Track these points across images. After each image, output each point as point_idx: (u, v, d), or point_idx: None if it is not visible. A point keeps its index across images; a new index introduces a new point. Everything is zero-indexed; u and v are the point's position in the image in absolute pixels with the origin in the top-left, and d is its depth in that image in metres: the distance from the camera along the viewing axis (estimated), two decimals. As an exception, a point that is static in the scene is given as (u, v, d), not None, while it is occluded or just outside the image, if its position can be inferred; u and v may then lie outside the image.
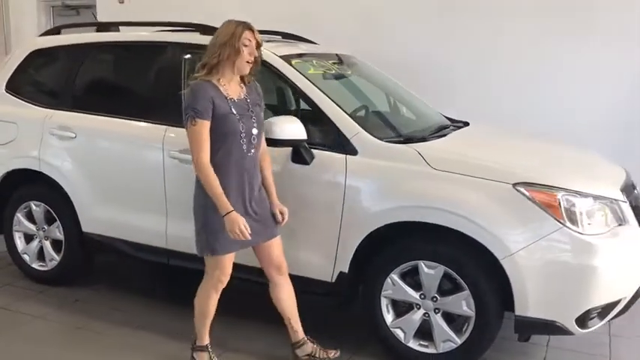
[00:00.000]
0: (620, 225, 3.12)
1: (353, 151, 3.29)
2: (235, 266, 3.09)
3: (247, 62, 2.92)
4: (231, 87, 2.96)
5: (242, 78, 3.02)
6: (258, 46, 2.95)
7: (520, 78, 5.84)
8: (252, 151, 2.97)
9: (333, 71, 4.00)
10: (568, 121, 5.63)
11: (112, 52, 4.24)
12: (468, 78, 6.02)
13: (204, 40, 3.78)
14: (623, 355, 3.51)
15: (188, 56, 3.84)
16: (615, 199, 3.14)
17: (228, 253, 2.99)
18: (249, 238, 2.88)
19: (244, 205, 2.96)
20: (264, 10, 6.47)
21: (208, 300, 3.10)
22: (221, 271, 3.02)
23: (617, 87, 5.56)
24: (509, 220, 2.98)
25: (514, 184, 2.99)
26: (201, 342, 3.19)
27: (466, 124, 4.26)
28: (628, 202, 3.21)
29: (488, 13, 5.90)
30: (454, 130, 3.98)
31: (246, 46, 2.90)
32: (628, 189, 3.40)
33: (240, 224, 2.84)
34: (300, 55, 3.80)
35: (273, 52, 3.59)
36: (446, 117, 4.38)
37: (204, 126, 2.86)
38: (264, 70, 3.53)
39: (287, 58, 3.61)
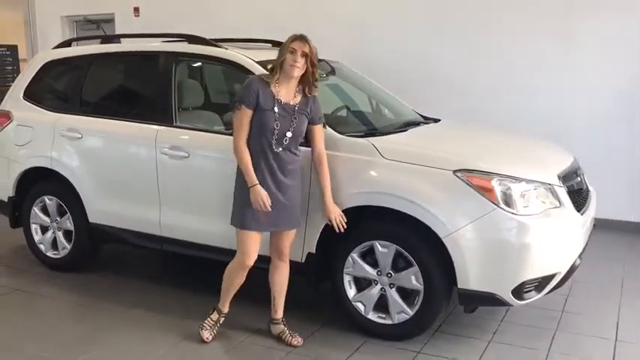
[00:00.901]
0: (555, 207, 3.45)
1: (318, 144, 3.68)
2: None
3: (291, 66, 3.28)
4: (283, 90, 3.35)
5: (303, 88, 3.39)
6: (305, 55, 3.28)
7: (513, 79, 6.16)
8: (280, 149, 3.33)
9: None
10: (562, 120, 5.94)
11: (112, 62, 4.72)
12: (460, 80, 6.36)
13: (192, 48, 4.30)
14: (569, 329, 3.81)
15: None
16: (550, 184, 3.47)
17: (250, 230, 3.37)
18: (269, 209, 3.31)
19: (270, 193, 3.33)
20: (265, 23, 6.93)
21: (233, 276, 3.51)
22: (244, 252, 3.41)
23: (615, 87, 5.83)
24: (450, 202, 3.34)
25: (454, 171, 3.36)
26: (221, 306, 3.63)
27: (436, 120, 4.62)
28: (564, 187, 3.54)
29: (480, 15, 6.24)
30: (421, 125, 4.36)
31: (291, 52, 3.29)
32: (569, 175, 3.73)
33: (262, 197, 3.29)
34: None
35: (250, 58, 4.02)
36: (420, 115, 4.75)
37: (246, 113, 3.32)
38: (245, 73, 3.98)
39: (263, 63, 4.01)
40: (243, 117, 3.33)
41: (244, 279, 3.53)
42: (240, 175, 3.39)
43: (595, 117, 5.89)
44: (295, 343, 3.57)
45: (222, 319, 3.65)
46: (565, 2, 5.92)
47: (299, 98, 3.40)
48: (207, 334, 3.59)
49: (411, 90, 6.29)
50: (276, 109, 3.31)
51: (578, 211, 3.60)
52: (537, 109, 6.09)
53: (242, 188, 3.38)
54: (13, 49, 8.33)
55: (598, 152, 5.76)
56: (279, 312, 3.65)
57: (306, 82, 3.39)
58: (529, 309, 4.02)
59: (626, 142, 5.83)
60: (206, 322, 3.63)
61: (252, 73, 3.89)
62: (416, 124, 4.41)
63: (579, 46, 5.89)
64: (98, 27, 8.56)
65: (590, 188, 4.16)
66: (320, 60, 4.79)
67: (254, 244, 3.41)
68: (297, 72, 3.31)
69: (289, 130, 3.34)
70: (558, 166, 3.72)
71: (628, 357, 3.45)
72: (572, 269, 3.51)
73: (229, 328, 3.72)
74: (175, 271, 4.95)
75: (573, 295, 4.31)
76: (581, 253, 3.62)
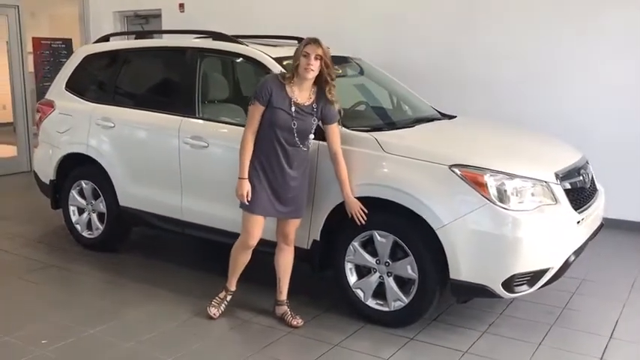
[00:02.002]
0: (551, 204, 3.53)
1: (324, 138, 3.85)
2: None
3: (305, 69, 3.48)
4: (297, 91, 3.56)
5: (320, 90, 3.58)
6: (319, 57, 3.48)
7: (535, 75, 6.14)
8: (289, 146, 3.54)
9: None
10: (585, 117, 5.92)
11: (144, 56, 5.05)
12: (486, 78, 6.39)
13: (215, 44, 4.56)
14: (566, 324, 3.87)
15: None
16: (546, 181, 3.55)
17: (255, 214, 3.63)
18: (246, 203, 3.58)
19: (269, 182, 3.59)
20: (303, 21, 7.14)
21: (237, 255, 3.80)
22: (248, 232, 3.68)
23: (630, 85, 5.77)
24: (444, 196, 3.48)
25: (450, 166, 3.49)
26: (228, 285, 3.91)
27: (451, 117, 4.74)
28: (561, 185, 3.61)
29: (508, 16, 6.26)
30: (434, 121, 4.48)
31: (304, 56, 3.51)
32: (571, 173, 3.80)
33: (244, 190, 3.56)
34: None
35: (267, 54, 4.23)
36: (438, 111, 4.87)
37: (258, 108, 3.56)
38: (262, 68, 4.20)
39: (279, 60, 4.23)
40: (255, 112, 3.56)
41: (249, 258, 3.79)
42: (253, 163, 3.60)
43: (619, 116, 5.82)
44: (295, 324, 3.78)
45: (230, 296, 3.90)
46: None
47: (313, 99, 3.60)
48: (214, 311, 3.85)
49: (438, 86, 6.40)
50: (288, 109, 3.52)
51: (577, 209, 3.66)
52: (558, 105, 6.04)
53: (250, 175, 3.59)
54: (67, 42, 8.83)
55: (618, 151, 5.73)
56: (284, 294, 3.87)
57: (323, 82, 3.57)
58: (530, 304, 4.11)
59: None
60: (214, 299, 3.90)
61: (268, 69, 4.13)
62: (429, 120, 4.54)
63: (600, 43, 5.80)
64: (147, 22, 8.97)
65: (598, 187, 4.20)
66: (348, 60, 5.05)
67: (257, 227, 3.66)
68: (312, 74, 3.51)
69: (298, 129, 3.55)
70: (558, 163, 3.78)
71: (618, 354, 3.49)
72: (565, 265, 3.57)
73: (236, 307, 3.96)
74: (204, 257, 5.22)
75: (579, 292, 4.35)
76: (577, 250, 3.67)
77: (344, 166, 3.65)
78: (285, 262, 3.84)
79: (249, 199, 3.58)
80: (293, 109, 3.53)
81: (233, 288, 3.91)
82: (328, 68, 3.55)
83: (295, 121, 3.53)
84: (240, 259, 3.80)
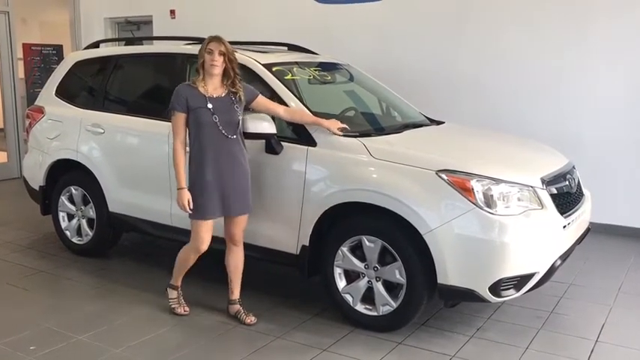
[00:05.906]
0: (537, 209, 3.56)
1: (313, 143, 3.89)
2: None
3: (210, 65, 3.63)
4: (210, 87, 3.69)
5: (229, 84, 3.71)
6: (222, 53, 3.63)
7: (529, 81, 6.19)
8: (221, 138, 3.66)
9: (311, 77, 4.57)
10: (575, 123, 5.98)
11: (134, 62, 5.06)
12: (478, 83, 6.44)
13: (204, 51, 4.55)
14: (553, 328, 3.89)
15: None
16: (532, 186, 3.58)
17: (202, 220, 3.71)
18: (189, 212, 3.69)
19: (211, 182, 3.66)
20: (293, 26, 7.19)
21: (187, 259, 3.93)
22: (199, 238, 3.76)
23: (620, 92, 5.83)
24: (432, 200, 3.50)
25: (437, 171, 3.51)
26: (174, 282, 4.05)
27: (439, 123, 4.77)
28: (547, 190, 3.64)
29: (499, 21, 6.31)
30: (422, 127, 4.52)
31: (208, 53, 3.64)
32: (557, 178, 3.83)
33: (184, 199, 3.67)
34: (282, 64, 4.42)
35: (256, 61, 4.26)
36: (426, 117, 4.90)
37: (179, 117, 3.69)
38: (251, 74, 4.22)
39: (269, 66, 4.26)
40: (178, 121, 3.70)
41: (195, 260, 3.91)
42: (190, 171, 3.71)
43: (608, 122, 5.87)
44: (249, 321, 3.86)
45: (181, 293, 4.05)
46: (580, 5, 5.93)
47: (227, 90, 3.72)
48: (180, 310, 4.00)
49: (430, 91, 6.46)
50: (205, 106, 3.63)
51: (563, 214, 3.69)
52: (550, 110, 6.09)
53: (193, 181, 3.70)
54: (58, 48, 8.84)
55: (606, 156, 5.80)
56: (236, 293, 3.96)
57: (229, 77, 3.70)
58: (518, 308, 4.14)
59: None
60: (170, 302, 4.03)
61: (257, 74, 4.17)
62: (418, 126, 4.57)
63: (592, 50, 5.85)
64: (138, 28, 8.98)
65: (584, 192, 4.24)
66: (338, 67, 5.08)
67: (207, 232, 3.76)
68: (217, 70, 3.65)
69: (221, 121, 3.64)
70: (544, 169, 3.82)
71: (604, 357, 3.52)
72: (552, 270, 3.59)
73: (223, 313, 3.99)
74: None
75: (567, 296, 4.38)
76: (564, 255, 3.69)
77: (298, 110, 3.91)
78: (235, 263, 3.92)
79: (191, 207, 3.67)
80: (210, 105, 3.64)
81: (179, 284, 4.04)
82: (232, 63, 3.68)
83: (216, 115, 3.63)
84: (189, 262, 3.92)
